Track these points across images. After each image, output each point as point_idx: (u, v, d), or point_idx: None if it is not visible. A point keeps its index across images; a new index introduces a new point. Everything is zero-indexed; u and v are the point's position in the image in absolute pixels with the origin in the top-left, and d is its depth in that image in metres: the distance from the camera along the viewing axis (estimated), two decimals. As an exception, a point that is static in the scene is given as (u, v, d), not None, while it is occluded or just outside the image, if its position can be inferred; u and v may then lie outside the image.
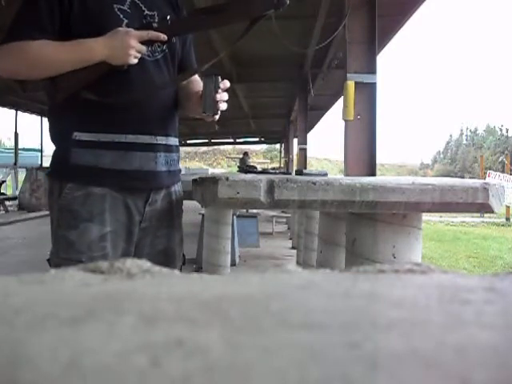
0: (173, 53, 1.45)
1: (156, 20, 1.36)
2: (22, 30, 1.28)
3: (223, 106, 1.33)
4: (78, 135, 1.30)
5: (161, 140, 1.38)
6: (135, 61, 1.29)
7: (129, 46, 1.26)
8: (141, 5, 1.37)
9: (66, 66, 1.27)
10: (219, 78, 1.32)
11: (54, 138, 1.38)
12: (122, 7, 1.33)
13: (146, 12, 1.38)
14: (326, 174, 1.60)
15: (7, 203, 10.72)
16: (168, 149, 1.40)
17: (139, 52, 1.29)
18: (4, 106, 12.17)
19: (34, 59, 1.27)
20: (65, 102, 1.33)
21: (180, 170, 1.51)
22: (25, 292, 0.32)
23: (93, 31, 1.27)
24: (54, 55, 1.27)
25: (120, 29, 1.29)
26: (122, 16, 1.32)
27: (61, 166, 1.33)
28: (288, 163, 12.05)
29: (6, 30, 1.29)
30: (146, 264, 0.39)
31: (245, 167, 1.77)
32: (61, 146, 1.35)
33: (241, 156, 16.30)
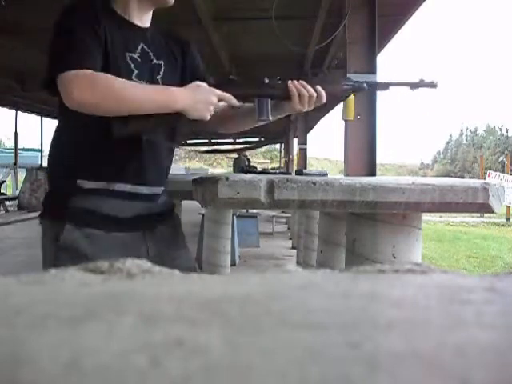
0: None
1: (162, 70, 1.37)
2: (81, 58, 1.21)
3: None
4: (81, 182, 1.30)
5: (157, 191, 1.40)
6: (209, 117, 1.31)
7: (211, 102, 1.29)
8: (150, 53, 1.37)
9: (151, 107, 1.24)
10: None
11: (53, 181, 1.38)
12: (133, 55, 1.33)
13: (155, 61, 1.37)
14: (326, 174, 1.60)
15: (7, 203, 10.72)
16: (161, 196, 1.43)
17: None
18: (4, 106, 12.17)
19: (121, 94, 1.21)
20: (70, 149, 1.33)
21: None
22: (25, 292, 0.32)
23: None
24: (142, 94, 1.24)
25: (204, 84, 1.31)
26: (132, 66, 1.32)
27: (58, 208, 1.32)
28: (288, 163, 12.04)
29: (53, 58, 1.24)
30: (146, 264, 0.39)
31: (245, 167, 1.77)
32: (60, 190, 1.35)
33: (237, 156, 14.13)
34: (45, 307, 0.28)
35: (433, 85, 1.39)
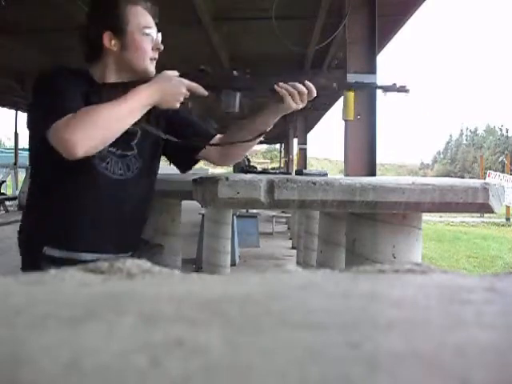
0: (150, 169, 1.46)
1: (137, 136, 1.38)
2: (69, 106, 1.20)
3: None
4: (48, 250, 1.30)
5: (129, 253, 1.40)
6: (178, 106, 1.32)
7: (181, 93, 1.31)
8: None
9: (128, 115, 1.24)
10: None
11: (22, 247, 1.40)
12: None
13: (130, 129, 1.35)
14: (326, 174, 1.60)
15: (7, 203, 10.71)
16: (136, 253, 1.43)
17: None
18: (4, 106, 12.16)
19: (104, 119, 1.19)
20: (38, 215, 1.34)
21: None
22: (25, 292, 0.32)
23: None
24: (119, 109, 1.22)
25: (172, 74, 1.32)
26: None
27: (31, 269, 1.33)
28: (288, 163, 12.04)
29: (46, 111, 1.22)
30: (146, 264, 0.39)
31: (245, 167, 1.77)
32: (29, 256, 1.36)
33: None
34: (45, 307, 0.28)
35: (405, 89, 1.39)
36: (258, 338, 0.24)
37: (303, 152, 8.86)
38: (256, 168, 2.11)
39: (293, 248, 6.63)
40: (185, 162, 1.55)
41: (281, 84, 1.33)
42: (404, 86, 1.38)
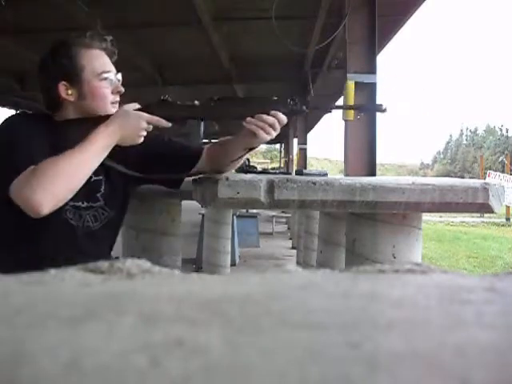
0: (115, 221, 1.43)
1: (102, 186, 1.36)
2: (28, 160, 1.16)
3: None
4: None
5: None
6: (141, 141, 1.29)
7: (140, 127, 1.27)
8: None
9: (92, 160, 1.22)
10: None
11: None
12: None
13: (93, 178, 1.32)
14: (326, 174, 1.60)
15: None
16: None
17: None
18: (4, 106, 12.16)
19: (65, 171, 1.16)
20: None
21: None
22: (25, 292, 0.32)
23: None
24: (79, 157, 1.19)
25: (130, 109, 1.28)
26: None
27: None
28: (288, 163, 12.04)
29: (5, 168, 1.17)
30: (145, 264, 0.39)
31: (244, 167, 1.77)
32: None
33: None
34: (45, 307, 0.28)
35: (381, 109, 1.38)
36: (258, 337, 0.24)
37: (303, 152, 8.86)
38: (256, 168, 2.11)
39: (293, 248, 6.63)
40: (175, 183, 1.49)
41: (248, 119, 1.28)
42: (381, 105, 1.39)
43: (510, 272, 0.40)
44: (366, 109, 1.41)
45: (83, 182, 1.21)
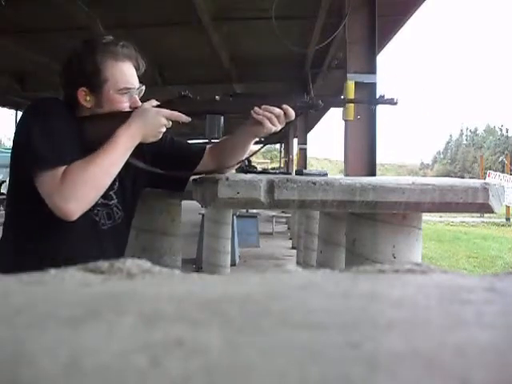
0: (125, 223, 1.44)
1: (116, 184, 1.36)
2: (61, 156, 1.20)
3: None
4: None
5: None
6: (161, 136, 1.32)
7: (160, 124, 1.29)
8: None
9: (117, 162, 1.24)
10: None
11: None
12: None
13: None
14: (326, 174, 1.60)
15: (7, 203, 10.68)
16: None
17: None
18: (4, 106, 12.17)
19: (94, 176, 1.19)
20: (11, 250, 1.29)
21: None
22: (25, 292, 0.32)
23: None
24: (105, 162, 1.22)
25: (149, 106, 1.30)
26: None
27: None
28: (288, 163, 12.04)
29: (34, 157, 1.20)
30: (146, 264, 0.39)
31: (245, 167, 1.77)
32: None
33: None
34: (45, 307, 0.28)
35: (393, 102, 1.39)
36: (257, 338, 0.24)
37: (303, 152, 8.86)
38: (256, 168, 2.11)
39: (293, 248, 6.64)
40: (179, 185, 1.51)
41: (256, 109, 1.32)
42: (392, 99, 1.39)
43: (510, 272, 0.40)
44: (378, 102, 1.41)
45: (108, 185, 1.24)
